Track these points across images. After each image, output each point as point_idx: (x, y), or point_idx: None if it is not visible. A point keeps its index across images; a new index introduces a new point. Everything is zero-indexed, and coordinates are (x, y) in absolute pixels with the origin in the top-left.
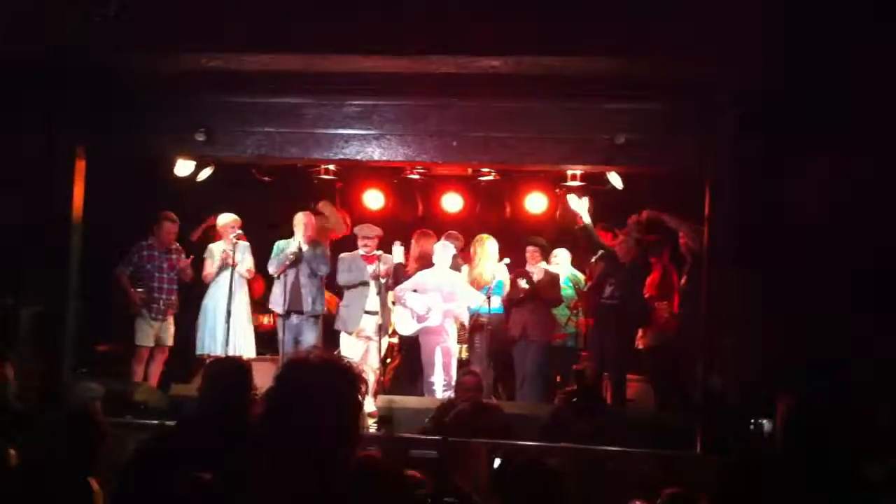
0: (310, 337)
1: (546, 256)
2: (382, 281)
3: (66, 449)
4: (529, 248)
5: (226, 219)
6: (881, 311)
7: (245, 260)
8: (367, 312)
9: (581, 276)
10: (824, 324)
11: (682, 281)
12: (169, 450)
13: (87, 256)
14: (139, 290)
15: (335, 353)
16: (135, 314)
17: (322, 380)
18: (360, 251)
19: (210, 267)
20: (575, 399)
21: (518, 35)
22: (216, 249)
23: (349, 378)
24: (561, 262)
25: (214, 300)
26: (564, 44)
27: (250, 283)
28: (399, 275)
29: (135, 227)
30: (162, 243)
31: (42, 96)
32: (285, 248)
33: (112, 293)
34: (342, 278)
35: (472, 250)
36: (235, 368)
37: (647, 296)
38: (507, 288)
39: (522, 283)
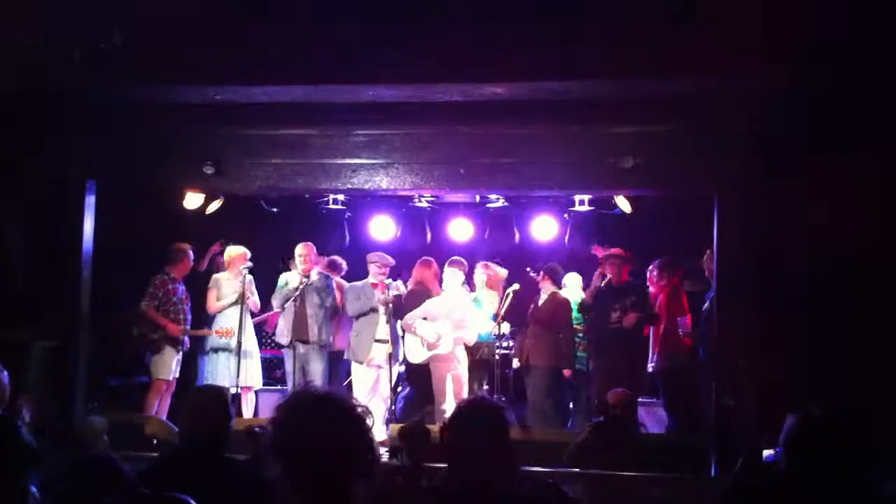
0: (317, 366)
1: (557, 282)
2: (391, 308)
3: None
4: (541, 273)
5: (236, 251)
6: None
7: (253, 293)
8: (377, 341)
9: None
10: (835, 343)
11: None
12: (154, 480)
13: (95, 289)
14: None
15: (345, 383)
16: (161, 347)
17: (321, 413)
18: (372, 279)
19: (215, 299)
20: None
21: (520, 61)
22: (223, 280)
23: (349, 409)
24: (570, 287)
25: (247, 331)
26: (566, 68)
27: (269, 317)
28: (399, 305)
29: (142, 259)
30: (182, 275)
31: (51, 130)
32: (289, 281)
33: (132, 327)
34: (352, 308)
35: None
36: (215, 397)
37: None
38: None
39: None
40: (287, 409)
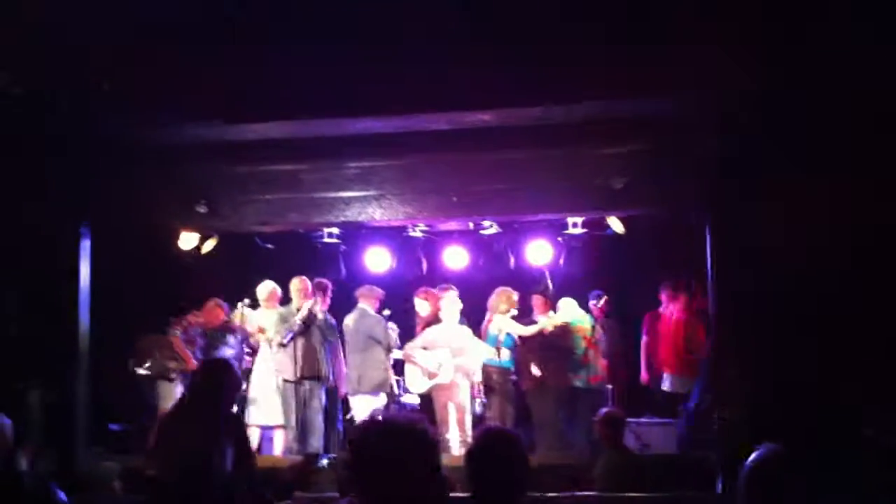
0: (318, 402)
1: (552, 305)
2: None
3: None
4: (536, 298)
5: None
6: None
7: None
8: (379, 371)
9: (588, 317)
10: (835, 361)
11: None
12: None
13: (93, 332)
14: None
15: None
16: (171, 380)
17: (407, 445)
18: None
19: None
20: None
21: (503, 87)
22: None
23: (429, 444)
24: (568, 310)
25: (258, 370)
26: (544, 93)
27: None
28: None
29: (139, 301)
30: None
31: (44, 174)
32: (288, 316)
33: (146, 360)
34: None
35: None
36: None
37: None
38: (516, 339)
39: (535, 371)
40: (368, 435)
